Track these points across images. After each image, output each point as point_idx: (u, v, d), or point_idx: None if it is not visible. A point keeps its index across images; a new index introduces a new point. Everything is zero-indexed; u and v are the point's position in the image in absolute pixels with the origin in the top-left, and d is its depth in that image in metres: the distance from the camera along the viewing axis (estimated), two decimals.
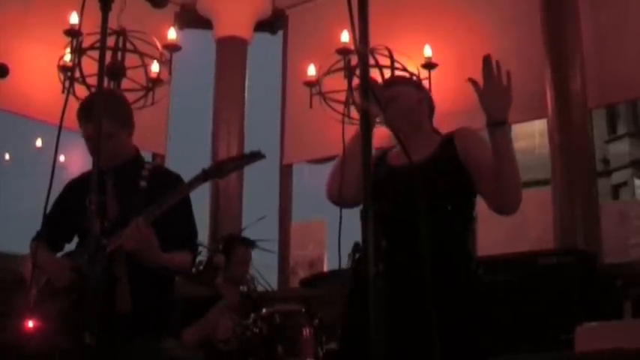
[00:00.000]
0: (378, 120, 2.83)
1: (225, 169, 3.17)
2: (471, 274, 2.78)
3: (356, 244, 2.86)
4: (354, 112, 5.68)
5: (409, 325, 2.48)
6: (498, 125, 2.58)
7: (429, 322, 2.11)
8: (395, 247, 2.50)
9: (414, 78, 3.16)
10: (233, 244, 5.40)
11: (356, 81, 5.13)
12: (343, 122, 2.81)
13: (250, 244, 5.56)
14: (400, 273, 2.45)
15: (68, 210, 3.23)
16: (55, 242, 3.38)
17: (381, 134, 3.13)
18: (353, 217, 2.78)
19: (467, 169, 2.78)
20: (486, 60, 2.56)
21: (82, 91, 5.36)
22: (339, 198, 2.76)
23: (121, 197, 3.24)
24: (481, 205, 2.84)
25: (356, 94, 2.81)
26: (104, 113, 3.27)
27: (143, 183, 3.27)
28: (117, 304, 3.02)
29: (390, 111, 2.81)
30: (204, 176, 3.11)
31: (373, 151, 2.85)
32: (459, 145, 2.82)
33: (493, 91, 2.57)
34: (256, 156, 3.20)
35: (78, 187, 3.33)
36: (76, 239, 3.41)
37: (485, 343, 2.63)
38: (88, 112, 3.18)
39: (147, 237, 3.01)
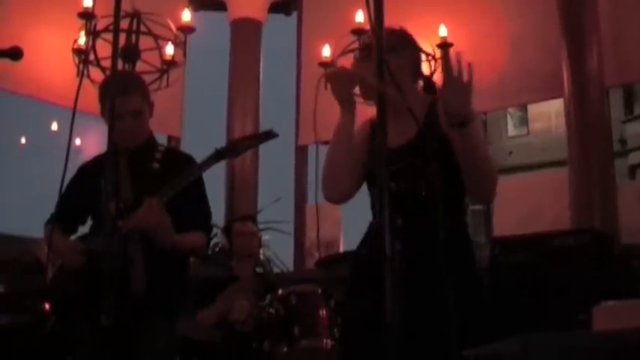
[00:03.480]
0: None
1: (238, 148, 3.17)
2: (472, 256, 2.70)
3: (371, 224, 2.83)
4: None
5: (424, 302, 2.46)
6: (461, 126, 2.43)
7: (444, 299, 2.10)
8: (405, 226, 2.51)
9: (394, 32, 2.91)
10: (231, 223, 5.44)
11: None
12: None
13: (247, 218, 5.58)
14: (413, 252, 2.44)
15: (82, 192, 3.24)
16: (68, 225, 3.39)
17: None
18: (366, 197, 2.79)
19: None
20: (445, 54, 2.40)
21: (96, 74, 5.35)
22: (340, 199, 2.92)
23: (135, 179, 3.24)
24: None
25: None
26: (137, 88, 3.29)
27: (156, 165, 3.28)
28: (131, 285, 3.03)
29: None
30: (217, 156, 3.11)
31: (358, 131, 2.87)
32: (441, 116, 2.62)
33: (452, 88, 2.41)
34: (269, 135, 3.20)
35: (91, 169, 3.33)
36: (89, 222, 3.42)
37: (499, 322, 2.60)
38: (127, 84, 3.19)
39: (159, 218, 3.02)
